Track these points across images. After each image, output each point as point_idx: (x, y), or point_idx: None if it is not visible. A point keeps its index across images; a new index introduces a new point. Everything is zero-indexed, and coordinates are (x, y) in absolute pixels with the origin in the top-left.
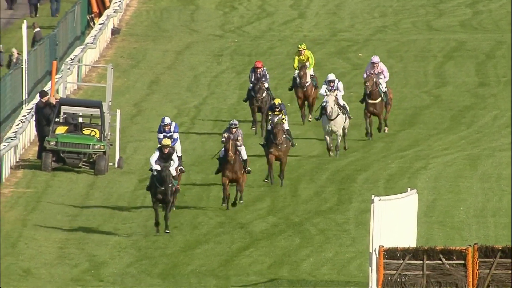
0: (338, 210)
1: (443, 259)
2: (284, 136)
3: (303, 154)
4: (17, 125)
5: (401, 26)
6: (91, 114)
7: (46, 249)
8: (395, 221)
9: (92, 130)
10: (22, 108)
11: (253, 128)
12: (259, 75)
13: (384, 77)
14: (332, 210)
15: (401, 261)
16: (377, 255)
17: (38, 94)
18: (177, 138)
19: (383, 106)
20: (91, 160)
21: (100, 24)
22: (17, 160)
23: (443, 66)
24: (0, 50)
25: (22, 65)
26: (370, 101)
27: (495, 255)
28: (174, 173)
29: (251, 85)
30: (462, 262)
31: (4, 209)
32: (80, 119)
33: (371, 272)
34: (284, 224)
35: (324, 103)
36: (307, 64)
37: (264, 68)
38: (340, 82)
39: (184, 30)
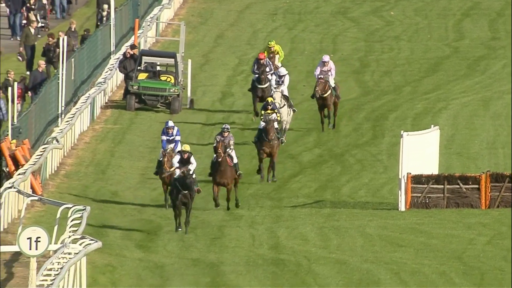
0: (373, 143)
1: (461, 184)
2: (275, 133)
3: (343, 98)
4: (106, 72)
5: None
6: (167, 63)
7: (130, 175)
8: (420, 152)
9: (168, 77)
10: (110, 58)
11: (254, 118)
12: (262, 66)
13: (331, 74)
14: (368, 143)
15: (425, 186)
16: (405, 181)
17: (124, 46)
18: (178, 141)
19: (332, 100)
20: (167, 101)
21: None
22: (106, 101)
23: (461, 23)
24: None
25: (110, 22)
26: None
27: (504, 180)
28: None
29: (255, 76)
30: (477, 186)
31: (96, 141)
32: (158, 67)
33: (400, 195)
34: (327, 155)
35: (273, 98)
36: (277, 56)
37: (267, 59)
38: (287, 75)
39: None
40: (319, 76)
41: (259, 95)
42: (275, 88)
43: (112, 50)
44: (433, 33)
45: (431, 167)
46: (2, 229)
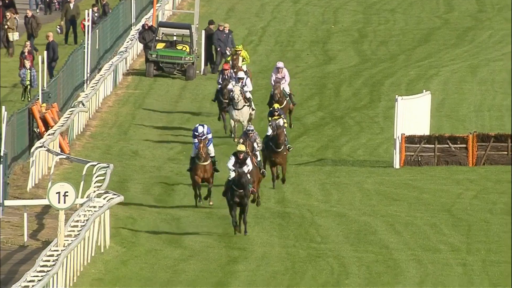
0: (370, 107)
1: (450, 144)
2: (285, 139)
3: (343, 65)
4: (127, 42)
5: None
6: (183, 34)
7: (149, 136)
8: (413, 115)
9: (184, 46)
10: (131, 29)
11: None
12: (226, 77)
13: (285, 81)
14: (366, 107)
15: (418, 145)
16: (399, 141)
17: (143, 18)
18: (211, 138)
19: (287, 108)
20: (183, 69)
21: None
22: (128, 68)
23: None
24: None
25: None
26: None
27: (489, 140)
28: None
29: (219, 86)
30: (464, 145)
31: (118, 105)
32: (175, 38)
33: (395, 154)
34: (329, 117)
35: (231, 93)
36: (240, 58)
37: (231, 71)
38: (249, 79)
39: None
40: (275, 82)
41: (223, 107)
42: (233, 84)
43: (132, 22)
44: (425, 6)
45: (423, 128)
46: (33, 185)
